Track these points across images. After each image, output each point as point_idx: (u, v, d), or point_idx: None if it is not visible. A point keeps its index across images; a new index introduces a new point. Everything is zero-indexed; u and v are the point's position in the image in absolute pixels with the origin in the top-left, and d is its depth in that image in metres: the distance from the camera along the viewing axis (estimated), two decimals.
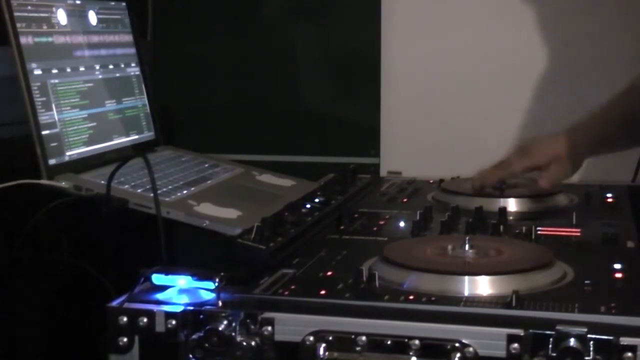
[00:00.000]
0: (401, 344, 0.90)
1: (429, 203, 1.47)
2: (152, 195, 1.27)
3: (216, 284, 0.98)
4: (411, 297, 0.97)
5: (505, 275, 1.01)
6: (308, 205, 1.36)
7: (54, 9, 1.50)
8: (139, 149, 1.62)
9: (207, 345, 0.94)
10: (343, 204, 1.44)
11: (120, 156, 1.49)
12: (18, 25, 1.39)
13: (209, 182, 1.53)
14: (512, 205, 1.44)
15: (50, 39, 1.47)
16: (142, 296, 1.00)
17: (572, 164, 1.45)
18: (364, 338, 0.91)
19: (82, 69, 1.55)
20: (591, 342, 0.87)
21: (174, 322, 0.96)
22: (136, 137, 1.67)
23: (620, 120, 1.46)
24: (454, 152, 1.95)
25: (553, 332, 0.87)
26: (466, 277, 1.01)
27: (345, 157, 1.94)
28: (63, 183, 1.37)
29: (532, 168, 1.47)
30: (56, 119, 1.43)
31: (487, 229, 1.27)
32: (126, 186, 1.38)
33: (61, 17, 1.52)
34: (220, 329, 0.94)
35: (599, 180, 1.63)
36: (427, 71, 1.97)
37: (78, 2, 1.58)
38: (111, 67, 1.64)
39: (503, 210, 1.34)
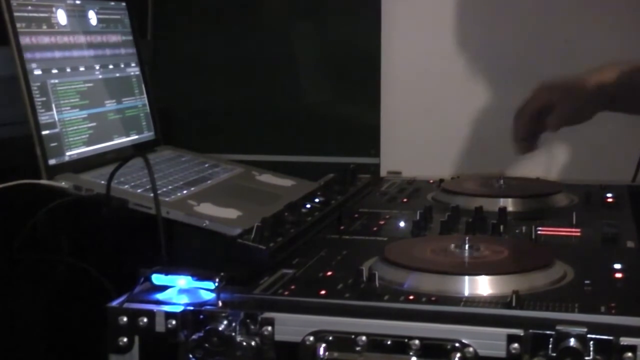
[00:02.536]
0: (401, 344, 0.90)
1: (429, 203, 1.47)
2: (152, 195, 1.27)
3: (216, 284, 0.99)
4: (411, 297, 0.97)
5: (505, 275, 1.01)
6: (308, 205, 1.36)
7: (53, 9, 1.50)
8: (139, 149, 1.62)
9: (207, 345, 0.94)
10: (343, 204, 1.44)
11: (120, 156, 1.49)
12: (18, 25, 1.39)
13: (209, 182, 1.53)
14: (512, 205, 1.44)
15: (50, 39, 1.47)
16: (142, 296, 1.00)
17: (581, 102, 1.37)
18: (364, 338, 0.91)
19: (82, 69, 1.55)
20: (591, 342, 0.87)
21: (174, 322, 0.96)
22: (136, 137, 1.66)
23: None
24: (454, 152, 1.95)
25: (553, 332, 0.87)
26: (466, 277, 1.01)
27: (345, 157, 1.94)
28: (63, 183, 1.37)
29: (543, 106, 1.40)
30: (56, 119, 1.43)
31: (487, 229, 1.27)
32: (126, 186, 1.38)
33: (61, 17, 1.52)
34: (220, 329, 0.94)
35: (599, 180, 1.63)
36: (427, 71, 1.97)
37: (78, 2, 1.58)
38: (111, 67, 1.64)
39: (503, 210, 1.34)
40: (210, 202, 1.38)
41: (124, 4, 1.73)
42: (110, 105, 1.61)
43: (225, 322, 0.94)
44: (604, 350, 0.87)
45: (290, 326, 0.94)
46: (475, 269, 1.04)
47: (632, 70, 1.39)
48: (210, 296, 0.99)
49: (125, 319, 0.97)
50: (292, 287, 1.03)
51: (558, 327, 0.87)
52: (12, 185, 1.30)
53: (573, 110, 1.39)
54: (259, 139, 2.05)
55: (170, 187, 1.43)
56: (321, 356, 0.91)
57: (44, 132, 1.39)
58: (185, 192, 1.43)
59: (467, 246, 1.09)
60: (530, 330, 0.88)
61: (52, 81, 1.44)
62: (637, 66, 1.39)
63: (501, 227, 1.26)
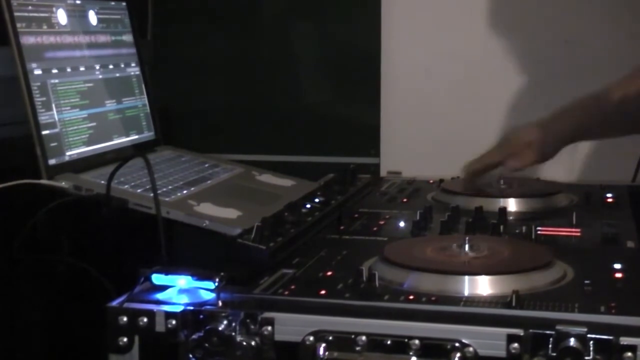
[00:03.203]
0: (401, 344, 0.90)
1: (429, 203, 1.47)
2: (152, 195, 1.27)
3: (216, 284, 0.99)
4: (411, 297, 0.97)
5: (505, 275, 1.01)
6: (308, 205, 1.36)
7: (54, 9, 1.50)
8: (139, 149, 1.62)
9: (207, 345, 0.94)
10: (343, 204, 1.44)
11: (120, 156, 1.49)
12: (18, 25, 1.39)
13: (209, 182, 1.53)
14: (512, 205, 1.44)
15: (50, 39, 1.47)
16: (142, 296, 1.00)
17: (543, 151, 1.46)
18: (364, 338, 0.91)
19: (82, 69, 1.55)
20: (591, 342, 0.87)
21: (174, 322, 0.96)
22: (136, 137, 1.67)
23: (617, 105, 1.44)
24: (454, 152, 1.94)
25: (553, 332, 0.87)
26: (466, 277, 1.01)
27: (345, 157, 1.94)
28: (63, 183, 1.37)
29: (508, 156, 1.48)
30: (56, 119, 1.43)
31: (487, 229, 1.27)
32: (126, 186, 1.38)
33: (61, 17, 1.52)
34: (220, 328, 0.94)
35: (599, 180, 1.63)
36: (427, 71, 1.97)
37: (78, 2, 1.58)
38: (111, 67, 1.64)
39: (503, 210, 1.34)
40: (210, 202, 1.38)
41: (124, 4, 1.73)
42: (110, 105, 1.61)
43: (225, 322, 0.94)
44: (604, 350, 0.87)
45: (290, 326, 0.94)
46: (475, 269, 1.03)
47: (587, 111, 1.48)
48: (210, 296, 0.99)
49: (125, 318, 0.97)
50: (292, 287, 1.03)
51: (558, 327, 0.87)
52: (12, 185, 1.30)
53: (533, 160, 1.47)
54: (259, 139, 2.05)
55: (170, 187, 1.43)
56: (321, 356, 0.91)
57: (44, 132, 1.39)
58: (185, 192, 1.43)
59: (467, 246, 1.09)
60: (530, 330, 0.88)
61: (52, 81, 1.44)
62: (598, 104, 1.47)
63: (501, 227, 1.26)
